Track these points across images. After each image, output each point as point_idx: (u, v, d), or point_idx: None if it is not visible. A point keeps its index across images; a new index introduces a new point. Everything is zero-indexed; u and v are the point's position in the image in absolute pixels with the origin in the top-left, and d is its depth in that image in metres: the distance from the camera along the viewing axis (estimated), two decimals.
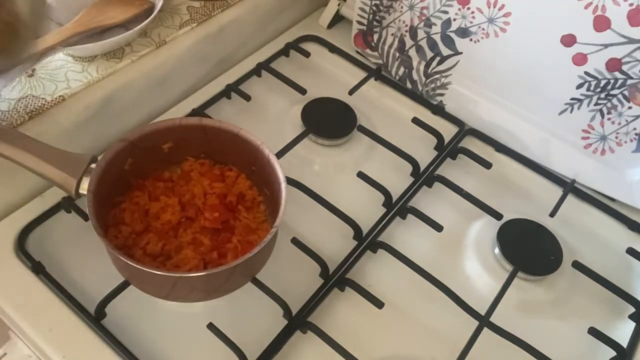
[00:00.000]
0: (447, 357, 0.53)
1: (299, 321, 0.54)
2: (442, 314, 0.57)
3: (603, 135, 0.67)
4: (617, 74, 0.62)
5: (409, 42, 0.76)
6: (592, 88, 0.64)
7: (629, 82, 0.62)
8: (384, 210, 0.64)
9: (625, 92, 0.63)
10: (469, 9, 0.68)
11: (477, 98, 0.73)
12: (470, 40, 0.70)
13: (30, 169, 0.51)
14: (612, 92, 0.64)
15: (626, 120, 0.65)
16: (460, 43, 0.71)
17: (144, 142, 0.55)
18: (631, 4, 0.58)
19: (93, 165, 0.52)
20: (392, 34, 0.77)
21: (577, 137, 0.69)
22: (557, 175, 0.70)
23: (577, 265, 0.61)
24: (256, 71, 0.76)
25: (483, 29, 0.69)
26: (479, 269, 0.61)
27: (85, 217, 0.57)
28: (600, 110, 0.66)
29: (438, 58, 0.74)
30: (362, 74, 0.77)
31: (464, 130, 0.74)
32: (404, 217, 0.64)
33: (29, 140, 0.52)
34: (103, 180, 0.51)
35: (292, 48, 0.79)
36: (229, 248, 0.53)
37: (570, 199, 0.68)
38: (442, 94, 0.76)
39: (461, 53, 0.72)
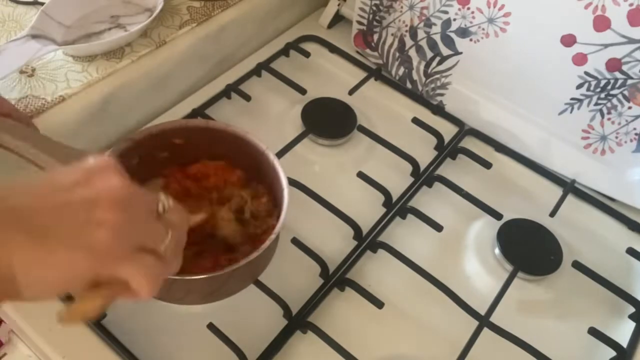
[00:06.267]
0: (447, 357, 0.53)
1: (299, 321, 0.54)
2: (442, 314, 0.57)
3: (603, 135, 0.67)
4: (617, 74, 0.62)
5: (409, 42, 0.76)
6: (592, 88, 0.64)
7: (629, 82, 0.62)
8: (384, 210, 0.64)
9: (625, 92, 0.63)
10: (469, 9, 0.68)
11: (477, 98, 0.73)
12: (470, 40, 0.70)
13: (37, 164, 0.51)
14: (612, 92, 0.64)
15: (626, 120, 0.65)
16: (460, 43, 0.71)
17: (149, 143, 0.55)
18: (631, 4, 0.58)
19: None
20: (392, 34, 0.77)
21: (577, 137, 0.68)
22: (557, 175, 0.70)
23: (577, 265, 0.61)
24: (256, 71, 0.76)
25: (483, 29, 0.69)
26: (479, 269, 0.61)
27: None
28: (600, 110, 0.66)
29: (438, 58, 0.74)
30: (362, 74, 0.77)
31: (464, 130, 0.74)
32: (404, 217, 0.64)
33: (37, 135, 0.51)
34: None
35: (292, 48, 0.79)
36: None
37: (570, 199, 0.68)
38: (442, 94, 0.76)
39: (461, 53, 0.72)
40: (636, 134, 0.65)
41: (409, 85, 0.78)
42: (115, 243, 0.33)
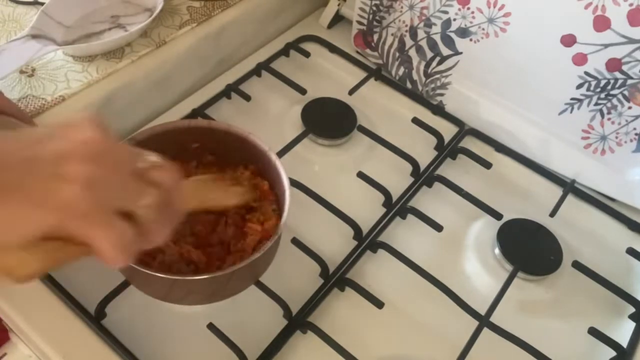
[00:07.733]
0: (447, 357, 0.53)
1: (299, 321, 0.54)
2: (442, 314, 0.57)
3: (603, 135, 0.67)
4: (617, 74, 0.62)
5: (409, 42, 0.76)
6: (592, 88, 0.64)
7: (629, 82, 0.62)
8: (384, 210, 0.64)
9: (625, 92, 0.63)
10: (469, 9, 0.68)
11: (477, 98, 0.73)
12: (470, 40, 0.70)
13: None
14: (612, 92, 0.64)
15: (626, 120, 0.65)
16: (460, 43, 0.71)
17: (152, 143, 0.55)
18: (631, 4, 0.58)
19: None
20: (392, 34, 0.77)
21: (577, 137, 0.69)
22: (557, 175, 0.70)
23: (577, 265, 0.61)
24: (256, 71, 0.76)
25: (483, 29, 0.69)
26: (479, 269, 0.61)
27: None
28: (600, 110, 0.66)
29: (438, 58, 0.74)
30: (362, 74, 0.77)
31: (464, 130, 0.74)
32: (404, 217, 0.64)
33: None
34: None
35: (292, 48, 0.79)
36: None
37: (570, 199, 0.68)
38: (442, 94, 0.76)
39: (461, 53, 0.72)
40: (636, 134, 0.65)
41: (409, 85, 0.78)
42: (85, 201, 0.30)
